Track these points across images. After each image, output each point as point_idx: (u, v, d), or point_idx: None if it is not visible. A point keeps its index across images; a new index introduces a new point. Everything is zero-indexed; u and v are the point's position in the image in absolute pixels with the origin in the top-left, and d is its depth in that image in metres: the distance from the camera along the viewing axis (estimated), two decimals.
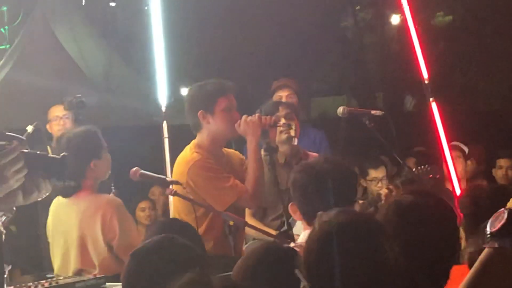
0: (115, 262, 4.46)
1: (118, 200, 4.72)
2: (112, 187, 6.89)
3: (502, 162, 7.63)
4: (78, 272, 4.53)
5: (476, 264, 2.53)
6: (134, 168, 4.37)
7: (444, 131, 5.23)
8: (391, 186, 5.53)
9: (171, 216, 5.29)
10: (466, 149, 6.86)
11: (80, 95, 6.24)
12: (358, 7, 13.53)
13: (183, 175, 4.77)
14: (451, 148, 6.57)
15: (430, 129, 6.08)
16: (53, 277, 4.38)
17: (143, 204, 7.91)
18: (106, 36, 10.97)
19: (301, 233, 3.80)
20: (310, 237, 2.39)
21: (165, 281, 2.35)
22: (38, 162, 2.37)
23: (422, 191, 2.95)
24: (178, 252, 2.50)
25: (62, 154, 2.41)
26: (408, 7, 5.23)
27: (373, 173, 6.45)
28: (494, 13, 11.63)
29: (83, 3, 11.11)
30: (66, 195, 4.66)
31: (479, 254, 2.54)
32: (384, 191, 5.54)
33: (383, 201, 5.35)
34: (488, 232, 2.53)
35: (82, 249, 4.57)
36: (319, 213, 2.48)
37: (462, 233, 3.60)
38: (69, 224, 4.62)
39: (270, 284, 2.53)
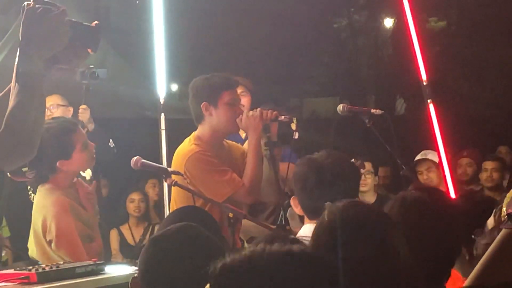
0: (54, 256, 4.36)
1: (64, 203, 4.46)
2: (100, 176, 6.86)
3: (487, 164, 7.75)
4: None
5: (493, 245, 2.54)
6: (136, 157, 4.34)
7: (440, 133, 5.26)
8: None
9: (167, 207, 5.28)
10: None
11: (92, 66, 6.04)
12: (352, 9, 13.57)
13: (180, 166, 4.76)
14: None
15: (422, 132, 6.10)
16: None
17: (133, 196, 7.92)
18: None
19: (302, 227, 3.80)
20: (318, 230, 2.30)
21: (183, 268, 2.36)
22: (76, 30, 2.34)
23: (427, 186, 2.96)
24: (197, 241, 2.50)
25: (95, 22, 2.39)
26: (408, 7, 5.26)
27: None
28: (487, 20, 11.70)
29: None
30: (37, 183, 4.57)
31: None
32: None
33: None
34: (505, 214, 2.54)
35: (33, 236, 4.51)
36: (327, 203, 2.40)
37: None
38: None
39: None
